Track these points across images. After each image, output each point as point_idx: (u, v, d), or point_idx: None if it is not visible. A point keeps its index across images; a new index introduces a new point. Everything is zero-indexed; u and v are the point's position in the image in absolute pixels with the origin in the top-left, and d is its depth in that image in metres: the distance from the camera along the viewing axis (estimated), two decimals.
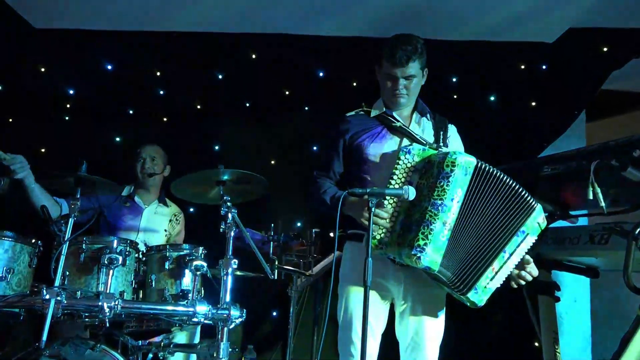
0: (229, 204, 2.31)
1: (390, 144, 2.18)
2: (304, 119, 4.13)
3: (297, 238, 3.07)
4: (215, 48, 3.94)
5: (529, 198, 1.98)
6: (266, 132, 4.10)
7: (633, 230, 2.27)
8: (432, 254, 1.91)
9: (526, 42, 4.03)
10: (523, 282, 2.04)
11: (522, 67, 4.16)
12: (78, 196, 2.22)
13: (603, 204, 2.31)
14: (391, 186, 2.01)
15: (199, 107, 4.08)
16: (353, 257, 2.18)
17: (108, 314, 1.98)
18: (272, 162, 4.09)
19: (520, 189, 1.98)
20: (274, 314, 3.72)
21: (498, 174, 1.97)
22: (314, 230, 3.21)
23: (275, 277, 2.76)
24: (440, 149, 2.09)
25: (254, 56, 4.00)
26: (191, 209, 3.80)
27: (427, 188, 1.97)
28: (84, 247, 2.19)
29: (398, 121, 2.22)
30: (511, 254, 1.98)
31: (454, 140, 2.30)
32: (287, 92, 4.10)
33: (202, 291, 2.42)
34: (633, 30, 3.88)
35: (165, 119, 4.11)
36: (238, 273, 2.42)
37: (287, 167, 4.06)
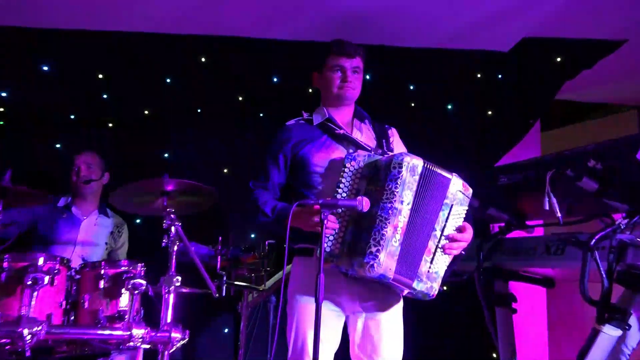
0: (172, 216, 2.22)
1: (335, 152, 2.14)
2: (259, 126, 4.02)
3: (248, 251, 2.95)
4: (162, 50, 3.79)
5: (441, 171, 1.96)
6: (219, 140, 3.98)
7: (588, 241, 2.27)
8: (385, 260, 1.86)
9: (482, 51, 4.06)
10: (456, 249, 1.96)
11: (479, 75, 4.19)
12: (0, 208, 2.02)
13: (559, 214, 2.31)
14: (338, 195, 1.97)
15: (146, 112, 3.91)
16: (303, 273, 2.09)
17: (29, 340, 1.80)
18: (225, 170, 3.97)
19: (437, 169, 1.96)
20: (226, 330, 3.58)
21: (439, 171, 1.96)
22: (267, 242, 3.09)
23: (223, 294, 2.63)
24: (385, 154, 2.06)
25: (203, 60, 3.87)
26: (137, 220, 3.64)
27: (375, 193, 1.93)
28: (4, 266, 2.00)
29: (341, 129, 2.16)
30: (442, 229, 1.94)
31: (397, 143, 2.28)
32: (240, 98, 3.99)
33: (142, 312, 2.27)
34: (585, 41, 3.97)
35: (110, 125, 3.91)
36: (184, 290, 2.28)
37: (241, 176, 3.93)
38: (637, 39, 3.90)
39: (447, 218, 1.95)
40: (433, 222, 1.94)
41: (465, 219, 2.01)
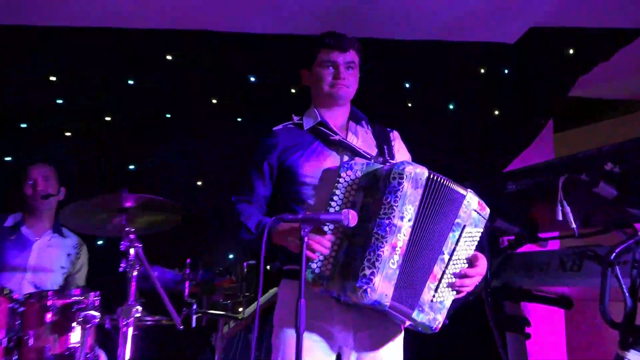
0: (131, 236, 2.17)
1: (328, 161, 2.09)
2: (237, 132, 3.99)
3: (223, 274, 2.89)
4: (124, 48, 3.76)
5: (454, 186, 1.90)
6: (191, 149, 3.94)
7: (607, 255, 2.23)
8: (381, 285, 1.80)
9: (485, 43, 4.06)
10: (467, 286, 1.89)
11: (482, 71, 4.17)
12: None
13: (574, 225, 2.27)
14: (331, 209, 1.91)
15: (108, 119, 3.87)
16: (291, 298, 2.02)
17: None
18: (199, 183, 3.92)
19: (451, 183, 1.89)
20: None
21: (450, 184, 1.89)
22: (245, 263, 3.03)
23: (193, 325, 2.57)
24: (387, 162, 2.01)
25: (169, 58, 3.83)
26: (99, 242, 3.58)
27: (373, 207, 1.88)
28: None
29: (336, 134, 2.12)
30: (451, 254, 1.88)
31: (400, 149, 2.24)
32: (214, 101, 3.96)
33: (97, 349, 2.21)
34: (600, 31, 3.96)
35: (68, 134, 3.87)
36: (147, 321, 2.22)
37: (217, 189, 3.90)
38: None
39: (458, 240, 1.89)
40: (441, 244, 1.88)
41: (479, 243, 1.94)
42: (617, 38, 3.99)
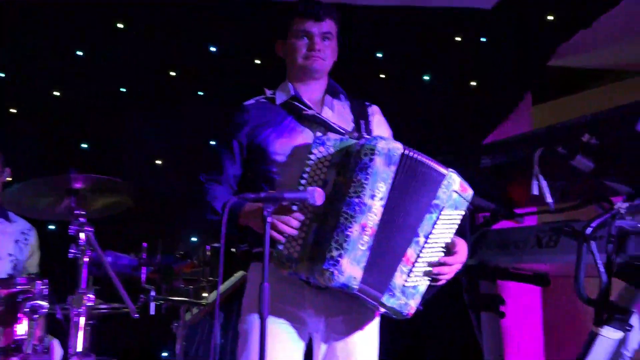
0: (81, 220, 2.14)
1: (301, 137, 2.08)
2: (198, 107, 3.96)
3: (184, 258, 2.88)
4: (71, 17, 3.68)
5: (435, 165, 1.89)
6: (149, 125, 3.91)
7: (583, 230, 2.27)
8: (349, 267, 1.80)
9: (461, 9, 4.05)
10: (446, 275, 1.91)
11: (458, 39, 4.18)
12: None
13: (550, 199, 2.31)
14: (301, 187, 1.90)
15: (57, 94, 3.79)
16: (260, 282, 2.02)
17: None
18: (158, 162, 3.89)
19: (430, 161, 1.89)
20: (164, 354, 3.53)
21: (426, 161, 1.89)
22: (208, 246, 3.02)
23: (152, 312, 2.56)
24: (363, 138, 1.99)
25: (120, 26, 3.75)
26: (51, 226, 3.56)
27: (344, 185, 1.87)
28: None
29: (310, 108, 2.11)
30: (427, 236, 1.88)
31: (379, 124, 2.22)
32: (172, 73, 3.91)
33: (46, 340, 2.19)
34: None
35: (13, 111, 3.79)
36: (102, 310, 2.21)
37: (179, 168, 3.89)
38: None
39: (435, 223, 1.88)
40: (416, 226, 1.87)
41: (460, 227, 1.94)
42: (598, 3, 4.02)
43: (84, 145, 3.90)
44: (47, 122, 3.79)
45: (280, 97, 2.13)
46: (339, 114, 2.17)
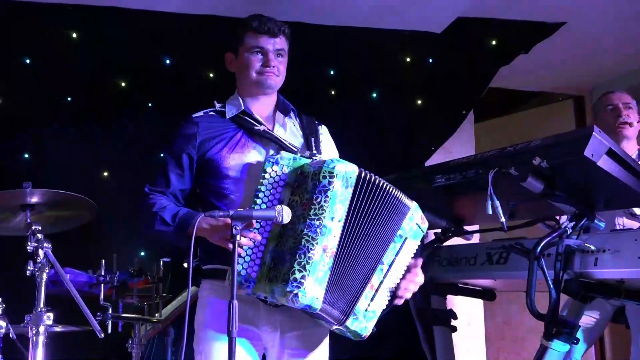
0: (39, 236, 2.09)
1: (253, 153, 2.08)
2: (147, 119, 3.89)
3: (139, 274, 2.82)
4: (20, 23, 3.55)
5: (402, 197, 1.97)
6: (96, 137, 3.82)
7: (534, 249, 2.38)
8: (312, 288, 1.82)
9: (412, 32, 4.17)
10: (409, 295, 1.98)
11: (408, 59, 4.30)
12: None
13: (503, 219, 2.39)
14: (257, 206, 1.90)
15: None
16: (213, 300, 2.01)
17: None
18: (105, 174, 3.81)
19: (396, 191, 1.96)
20: None
21: (384, 184, 1.94)
22: (162, 260, 2.97)
23: (109, 332, 2.49)
24: (314, 157, 2.01)
25: (74, 35, 3.65)
26: None
27: (301, 206, 1.89)
28: None
29: (261, 124, 2.10)
30: (390, 264, 1.95)
31: (327, 144, 2.26)
32: (122, 84, 3.82)
33: None
34: (522, 23, 4.20)
35: None
36: (58, 329, 2.13)
37: (126, 181, 3.80)
38: (576, 22, 4.20)
39: (399, 252, 1.95)
40: (381, 254, 1.93)
41: (415, 255, 2.01)
42: (537, 31, 4.25)
43: (25, 156, 3.74)
44: None
45: (231, 111, 2.13)
46: (290, 130, 2.19)
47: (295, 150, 2.07)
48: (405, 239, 1.96)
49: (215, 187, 2.04)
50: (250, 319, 1.98)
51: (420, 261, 2.02)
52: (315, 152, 2.10)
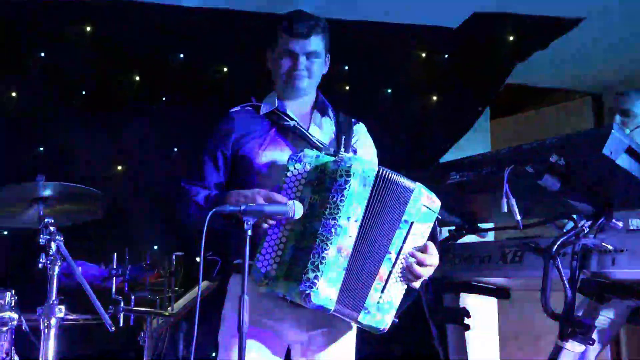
0: (51, 229, 2.09)
1: (283, 150, 2.08)
2: (161, 113, 3.90)
3: (151, 268, 2.83)
4: (35, 18, 3.58)
5: (402, 180, 1.89)
6: (110, 131, 3.84)
7: (550, 248, 2.35)
8: (325, 289, 1.81)
9: (427, 27, 4.14)
10: (419, 280, 1.91)
11: (423, 55, 4.26)
12: None
13: (519, 217, 2.37)
14: None
15: (13, 95, 3.68)
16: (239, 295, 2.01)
17: None
18: (119, 168, 3.83)
19: (395, 176, 1.89)
20: None
21: (402, 181, 1.89)
22: (174, 255, 2.98)
23: (121, 325, 2.50)
24: (339, 155, 1.99)
25: (89, 29, 3.67)
26: (4, 232, 3.45)
27: (319, 205, 1.88)
28: None
29: (292, 119, 2.11)
30: (398, 252, 1.89)
31: (363, 144, 2.22)
32: (137, 78, 3.84)
33: (13, 353, 2.11)
34: (540, 18, 4.14)
35: None
36: (71, 317, 2.15)
37: (139, 175, 3.81)
38: (595, 18, 4.14)
39: (406, 238, 1.89)
40: (387, 244, 1.88)
41: (429, 238, 1.94)
42: (555, 27, 4.19)
43: (40, 149, 3.78)
44: (4, 124, 3.66)
45: (265, 107, 2.15)
46: (326, 130, 2.17)
47: (321, 146, 2.06)
48: (412, 223, 1.89)
49: (247, 183, 2.04)
50: (275, 316, 1.99)
51: (431, 245, 1.94)
52: (343, 149, 2.09)
